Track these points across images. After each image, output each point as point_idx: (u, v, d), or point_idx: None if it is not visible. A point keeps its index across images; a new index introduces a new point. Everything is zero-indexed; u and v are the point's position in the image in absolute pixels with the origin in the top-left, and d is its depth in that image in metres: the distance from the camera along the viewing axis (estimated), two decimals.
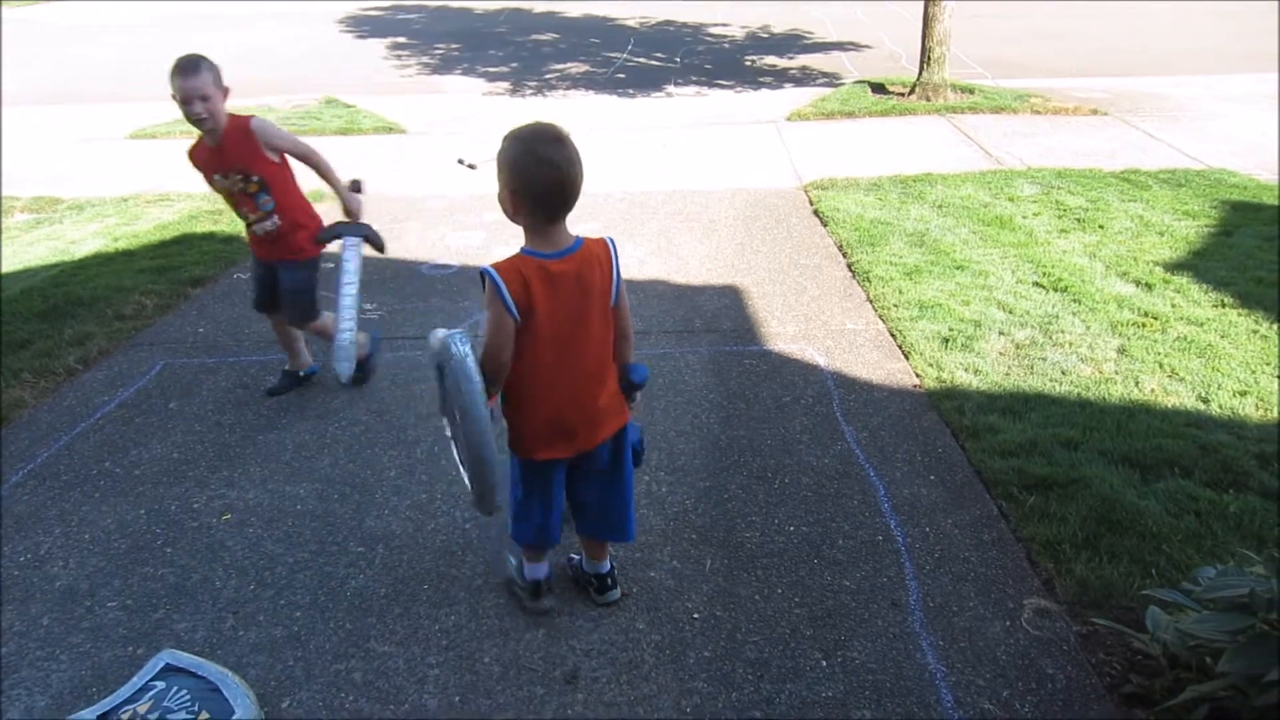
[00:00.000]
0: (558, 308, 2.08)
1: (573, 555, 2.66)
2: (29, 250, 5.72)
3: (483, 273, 2.06)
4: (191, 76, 3.14)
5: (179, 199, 6.67)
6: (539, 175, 1.98)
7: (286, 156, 3.41)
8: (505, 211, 2.08)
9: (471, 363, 2.02)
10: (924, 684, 2.24)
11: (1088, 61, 11.79)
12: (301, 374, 3.86)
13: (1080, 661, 2.29)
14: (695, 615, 2.48)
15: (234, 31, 16.58)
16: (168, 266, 5.17)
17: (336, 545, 2.81)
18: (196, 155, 3.40)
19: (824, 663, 2.31)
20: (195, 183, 7.55)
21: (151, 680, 2.21)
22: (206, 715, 2.10)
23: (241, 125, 3.28)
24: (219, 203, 6.71)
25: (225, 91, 3.23)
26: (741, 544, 2.77)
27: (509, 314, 2.03)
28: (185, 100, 3.16)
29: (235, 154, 3.29)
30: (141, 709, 2.13)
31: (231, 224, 5.96)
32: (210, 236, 5.74)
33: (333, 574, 2.68)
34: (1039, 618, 2.44)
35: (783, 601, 2.53)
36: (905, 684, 2.24)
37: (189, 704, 2.13)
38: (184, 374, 3.99)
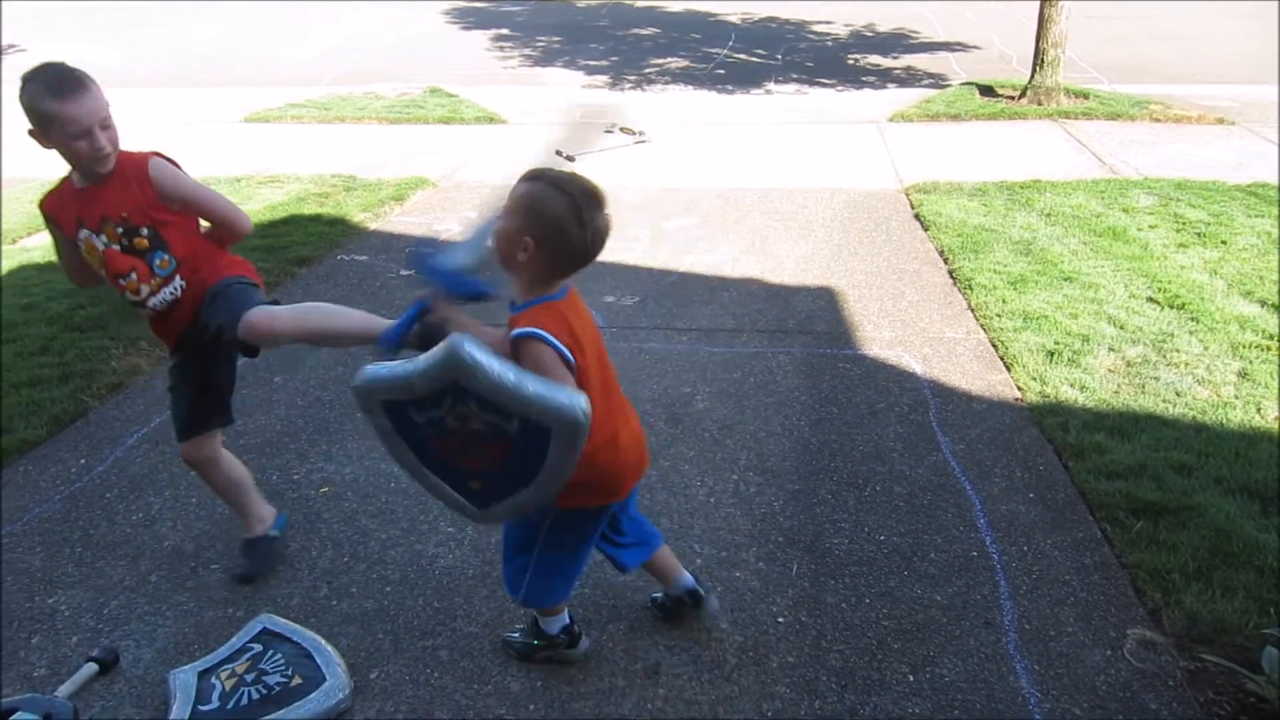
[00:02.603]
0: (593, 343, 1.93)
1: (652, 596, 2.46)
2: None
3: (529, 335, 1.79)
4: (85, 96, 2.14)
5: (288, 181, 6.91)
6: (582, 240, 1.80)
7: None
8: (508, 255, 1.83)
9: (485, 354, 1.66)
10: (1016, 707, 2.16)
11: (1213, 68, 11.18)
12: (272, 533, 2.69)
13: (1187, 699, 2.17)
14: (780, 619, 2.44)
15: (339, 17, 17.10)
16: (276, 245, 5.36)
17: (427, 524, 2.87)
18: (59, 204, 2.33)
19: (911, 678, 2.25)
20: (304, 165, 7.77)
21: (250, 642, 2.30)
22: (300, 680, 2.17)
23: (137, 164, 2.30)
24: (326, 185, 7.03)
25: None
26: (829, 550, 2.72)
27: (570, 371, 1.82)
28: (80, 132, 2.13)
29: (118, 198, 2.27)
30: (240, 669, 2.22)
31: (337, 206, 6.15)
32: (317, 219, 5.93)
33: (423, 552, 2.74)
34: (1143, 649, 2.32)
35: (870, 611, 2.47)
36: (997, 707, 2.16)
37: (284, 668, 2.21)
38: (288, 350, 4.12)
